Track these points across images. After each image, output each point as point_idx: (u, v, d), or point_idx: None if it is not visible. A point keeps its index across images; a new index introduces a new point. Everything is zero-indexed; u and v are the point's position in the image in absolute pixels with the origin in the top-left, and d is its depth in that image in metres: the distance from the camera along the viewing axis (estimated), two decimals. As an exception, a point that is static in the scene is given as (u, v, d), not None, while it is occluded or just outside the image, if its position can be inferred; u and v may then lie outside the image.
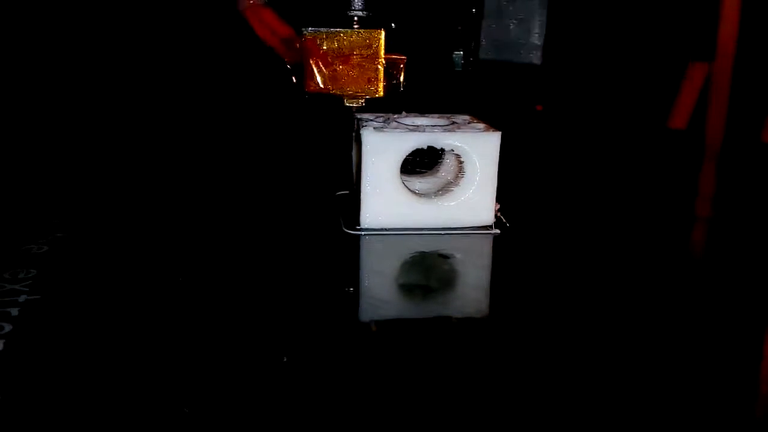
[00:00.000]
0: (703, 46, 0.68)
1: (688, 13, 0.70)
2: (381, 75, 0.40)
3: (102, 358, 0.24)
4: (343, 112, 0.41)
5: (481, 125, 0.37)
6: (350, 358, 0.24)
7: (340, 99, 0.41)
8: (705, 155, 0.64)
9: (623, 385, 0.23)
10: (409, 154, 0.36)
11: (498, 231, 0.36)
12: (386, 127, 0.36)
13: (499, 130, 0.36)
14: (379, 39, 0.40)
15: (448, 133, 0.36)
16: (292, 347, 0.25)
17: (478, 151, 0.36)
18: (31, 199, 0.42)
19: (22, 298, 0.27)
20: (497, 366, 0.24)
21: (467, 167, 0.36)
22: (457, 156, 0.36)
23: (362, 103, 0.41)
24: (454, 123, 0.38)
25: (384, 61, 0.40)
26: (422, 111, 0.40)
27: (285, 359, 0.24)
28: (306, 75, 0.41)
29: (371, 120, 0.38)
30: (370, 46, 0.39)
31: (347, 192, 0.41)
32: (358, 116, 0.39)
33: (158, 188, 0.46)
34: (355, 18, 0.41)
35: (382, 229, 0.36)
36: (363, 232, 0.36)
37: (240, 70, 0.70)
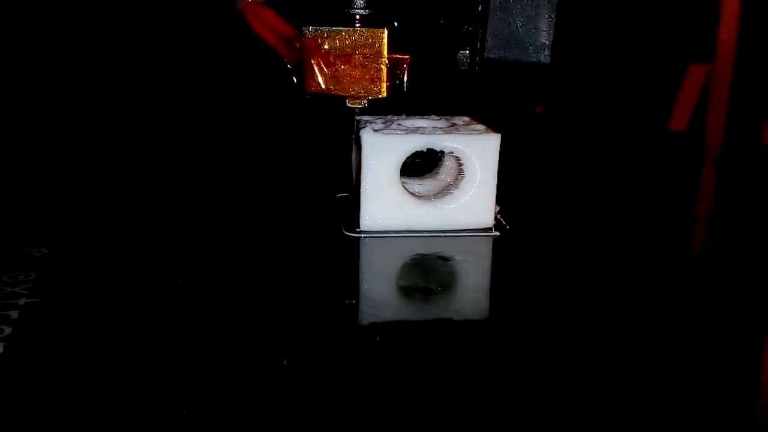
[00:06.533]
0: (702, 48, 0.68)
1: (688, 15, 0.70)
2: (384, 75, 0.39)
3: (102, 361, 0.24)
4: (343, 113, 0.41)
5: (481, 127, 0.37)
6: (350, 360, 0.24)
7: (340, 100, 0.41)
8: (705, 157, 0.64)
9: (624, 387, 0.23)
10: (409, 157, 0.36)
11: (498, 233, 0.36)
12: (386, 129, 0.36)
13: (499, 132, 0.36)
14: (382, 38, 0.39)
15: (447, 135, 0.36)
16: (292, 350, 0.25)
17: (478, 153, 0.36)
18: (31, 202, 0.42)
19: (21, 301, 0.27)
20: (498, 368, 0.24)
21: (467, 169, 0.36)
22: (457, 158, 0.36)
23: (365, 104, 0.40)
24: (453, 125, 0.38)
25: (387, 61, 0.39)
26: (426, 111, 0.39)
27: (284, 362, 0.24)
28: (307, 75, 0.40)
29: (371, 122, 0.38)
30: (372, 46, 0.39)
31: (347, 194, 0.41)
32: (358, 118, 0.39)
33: (158, 190, 0.46)
34: (357, 16, 0.40)
35: (381, 232, 0.36)
36: (363, 235, 0.36)
37: (237, 71, 0.70)
